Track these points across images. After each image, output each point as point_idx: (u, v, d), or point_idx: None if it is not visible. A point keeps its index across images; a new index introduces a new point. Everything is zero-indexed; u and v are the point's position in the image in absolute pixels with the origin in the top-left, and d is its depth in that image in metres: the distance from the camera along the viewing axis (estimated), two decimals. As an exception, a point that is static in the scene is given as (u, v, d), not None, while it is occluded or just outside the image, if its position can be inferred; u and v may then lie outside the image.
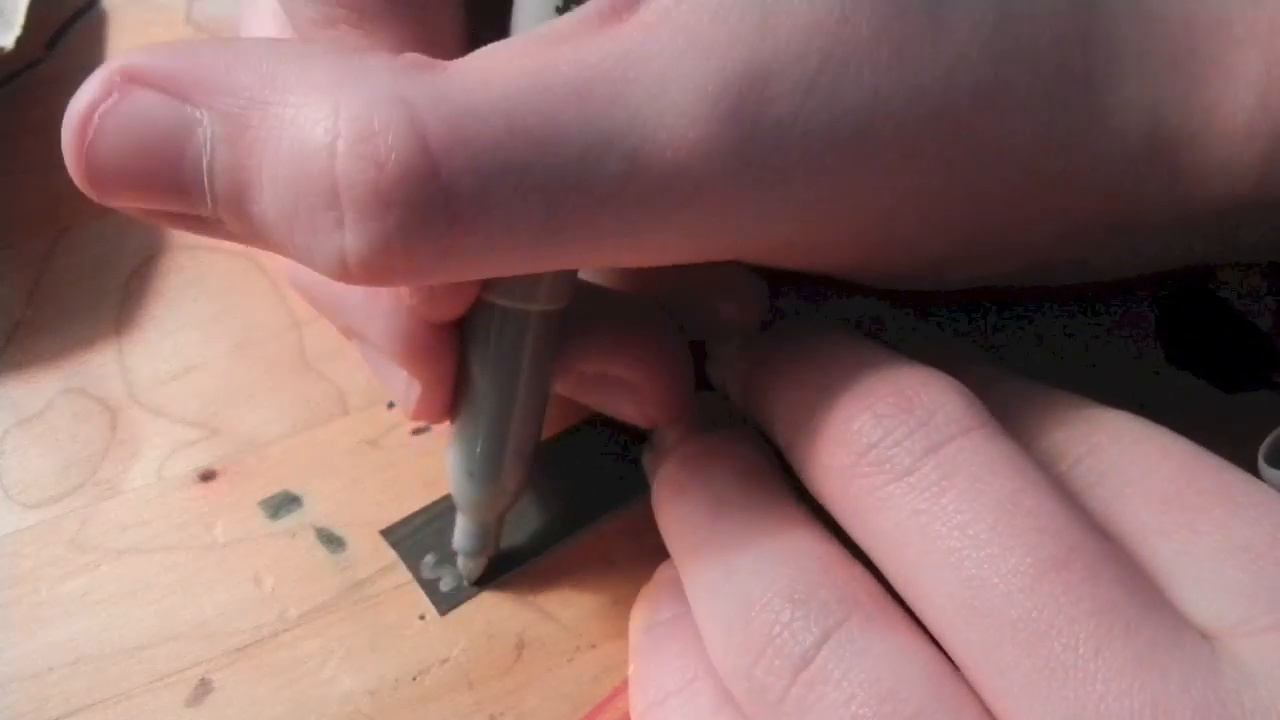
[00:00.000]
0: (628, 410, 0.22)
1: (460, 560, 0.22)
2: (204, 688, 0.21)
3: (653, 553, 0.23)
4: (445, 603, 0.22)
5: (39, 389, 0.25)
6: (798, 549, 0.17)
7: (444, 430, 0.24)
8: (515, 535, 0.23)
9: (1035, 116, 0.18)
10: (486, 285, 0.19)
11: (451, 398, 0.20)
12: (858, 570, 0.17)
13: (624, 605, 0.22)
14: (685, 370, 0.21)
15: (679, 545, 0.19)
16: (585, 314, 0.20)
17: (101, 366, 0.25)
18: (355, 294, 0.20)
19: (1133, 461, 0.17)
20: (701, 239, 0.17)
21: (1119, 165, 0.19)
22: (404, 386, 0.20)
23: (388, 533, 0.23)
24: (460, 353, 0.20)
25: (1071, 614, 0.14)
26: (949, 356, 0.18)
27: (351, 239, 0.14)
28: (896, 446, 0.16)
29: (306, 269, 0.20)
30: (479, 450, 0.20)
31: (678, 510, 0.19)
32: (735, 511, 0.18)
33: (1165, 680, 0.14)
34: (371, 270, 0.15)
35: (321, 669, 0.21)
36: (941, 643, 0.16)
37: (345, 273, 0.15)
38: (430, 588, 0.22)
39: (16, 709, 0.20)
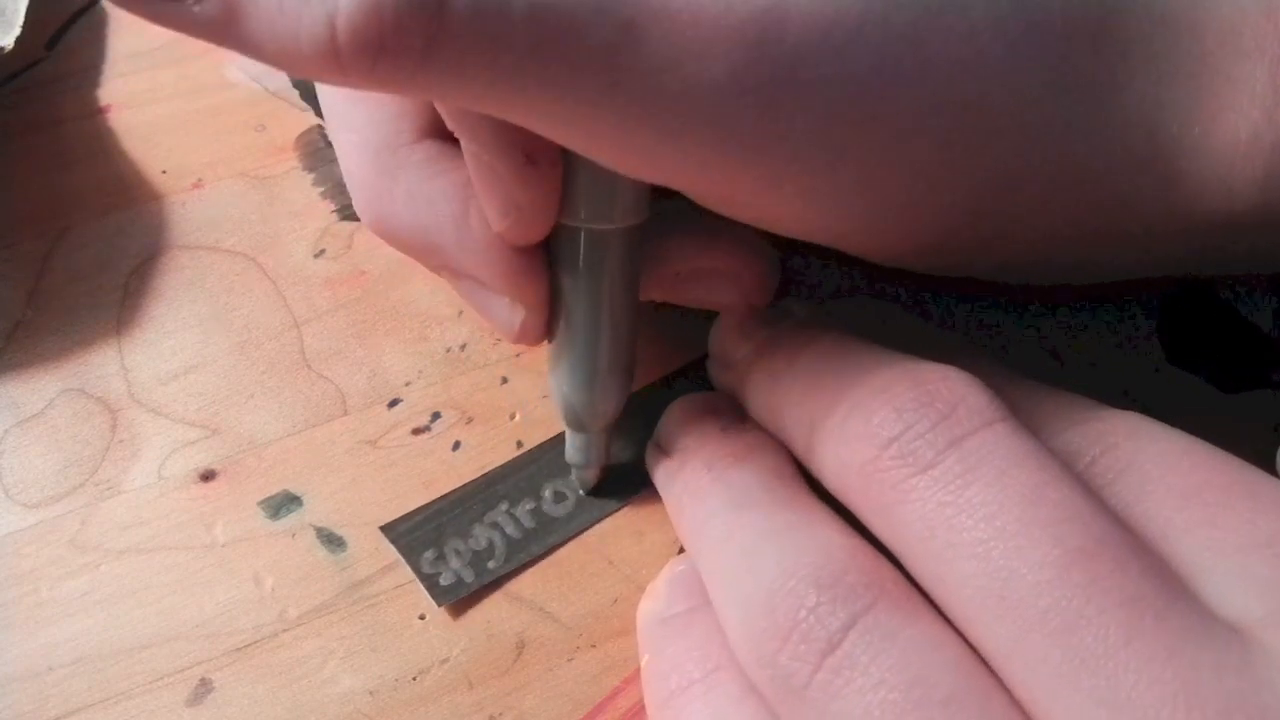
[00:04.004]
0: (728, 297, 0.22)
1: (574, 473, 0.23)
2: (204, 688, 0.21)
3: (653, 552, 0.23)
4: (444, 597, 0.22)
5: (39, 389, 0.25)
6: (822, 539, 0.17)
7: (443, 431, 0.24)
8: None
9: (1038, 104, 0.18)
10: (565, 210, 0.20)
11: (549, 320, 0.21)
12: (882, 560, 0.17)
13: (624, 605, 0.22)
14: (773, 252, 0.22)
15: (700, 541, 0.19)
16: (671, 218, 0.21)
17: (101, 366, 0.25)
18: (449, 230, 0.20)
19: (1150, 459, 0.17)
20: (688, 158, 0.17)
21: (1117, 165, 0.18)
22: (506, 314, 0.21)
23: (387, 529, 0.23)
24: (551, 276, 0.21)
25: (1101, 604, 0.14)
26: (955, 358, 0.18)
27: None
28: (919, 439, 0.16)
29: (390, 221, 0.20)
30: (576, 368, 0.21)
31: (700, 509, 0.19)
32: (758, 507, 0.18)
33: (1196, 669, 0.14)
34: (358, 40, 0.14)
35: (321, 669, 0.21)
36: (968, 636, 0.16)
37: (331, 40, 0.14)
38: (430, 582, 0.22)
39: (16, 709, 0.20)
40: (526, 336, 0.21)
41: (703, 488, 0.20)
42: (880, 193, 0.18)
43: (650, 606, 0.20)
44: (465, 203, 0.20)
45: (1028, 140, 0.18)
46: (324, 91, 0.22)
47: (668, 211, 0.21)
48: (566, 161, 0.19)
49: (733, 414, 0.22)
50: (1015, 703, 0.15)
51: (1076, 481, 0.16)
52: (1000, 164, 0.18)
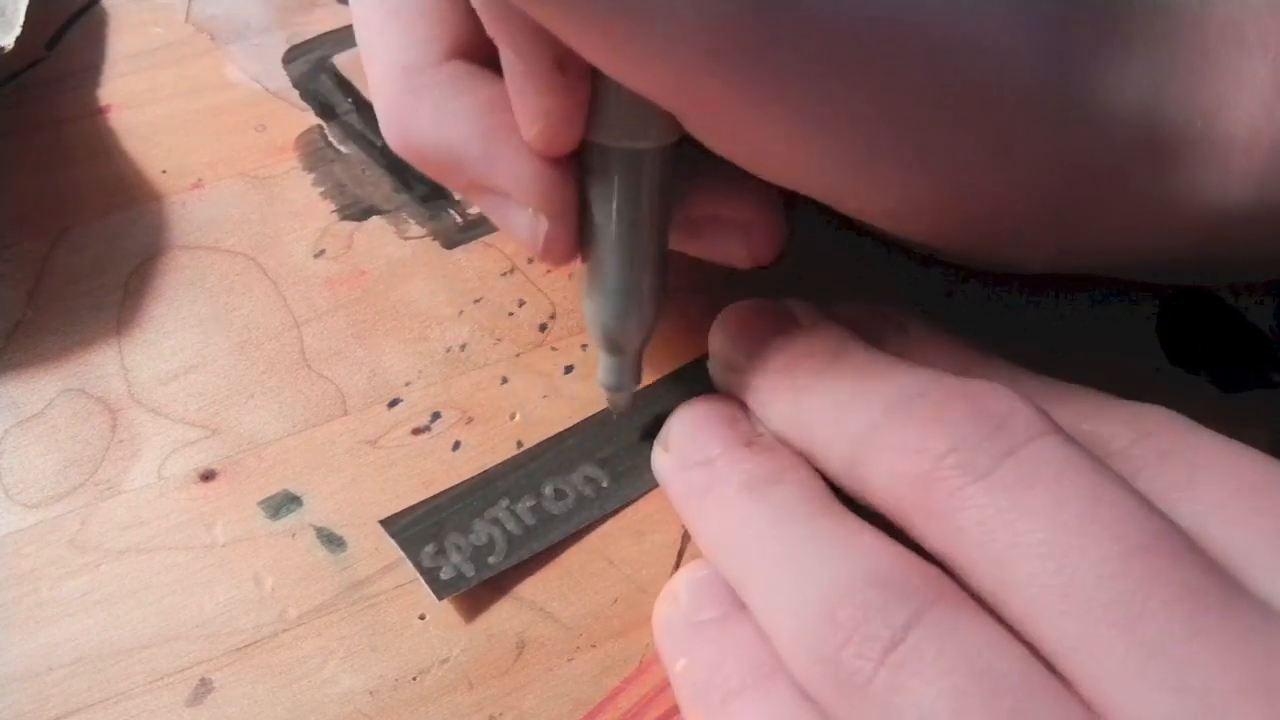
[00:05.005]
0: (735, 251, 0.23)
1: (607, 397, 0.23)
2: (204, 688, 0.21)
3: (652, 552, 0.23)
4: (444, 591, 0.22)
5: (39, 389, 0.25)
6: (874, 548, 0.17)
7: (443, 431, 0.24)
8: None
9: (1034, 77, 0.18)
10: (599, 128, 0.20)
11: (576, 235, 0.21)
12: (935, 568, 0.17)
13: (624, 605, 0.22)
14: (783, 210, 0.23)
15: (741, 555, 0.19)
16: (690, 161, 0.21)
17: (101, 366, 0.25)
18: (474, 143, 0.21)
19: (1191, 448, 0.17)
20: (683, 79, 0.17)
21: (1114, 146, 0.19)
22: (531, 226, 0.21)
23: (387, 523, 0.23)
24: (584, 198, 0.21)
25: (1164, 596, 0.14)
26: (971, 357, 0.19)
27: None
28: (975, 449, 0.17)
29: (416, 138, 0.21)
30: (609, 287, 0.21)
31: (740, 528, 0.19)
32: (805, 521, 0.19)
33: (1270, 659, 0.14)
34: None
35: (321, 669, 0.21)
36: (1029, 636, 0.16)
37: None
38: (430, 576, 0.22)
39: (16, 709, 0.20)
40: (552, 250, 0.21)
41: (743, 507, 0.20)
42: (868, 143, 0.18)
43: (671, 611, 0.20)
44: (492, 116, 0.20)
45: (1022, 111, 0.18)
46: (357, 23, 0.23)
47: (684, 158, 0.21)
48: (600, 79, 0.19)
49: (747, 422, 0.22)
50: (1081, 702, 0.15)
51: (1128, 485, 0.16)
52: (994, 131, 0.18)
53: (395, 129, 0.21)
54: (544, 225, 0.21)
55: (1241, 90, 0.18)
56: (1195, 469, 0.17)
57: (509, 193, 0.21)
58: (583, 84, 0.19)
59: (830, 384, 0.20)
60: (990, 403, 0.17)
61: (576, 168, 0.21)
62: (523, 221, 0.21)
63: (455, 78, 0.21)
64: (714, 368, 0.23)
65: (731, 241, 0.23)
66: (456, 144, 0.21)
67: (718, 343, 0.22)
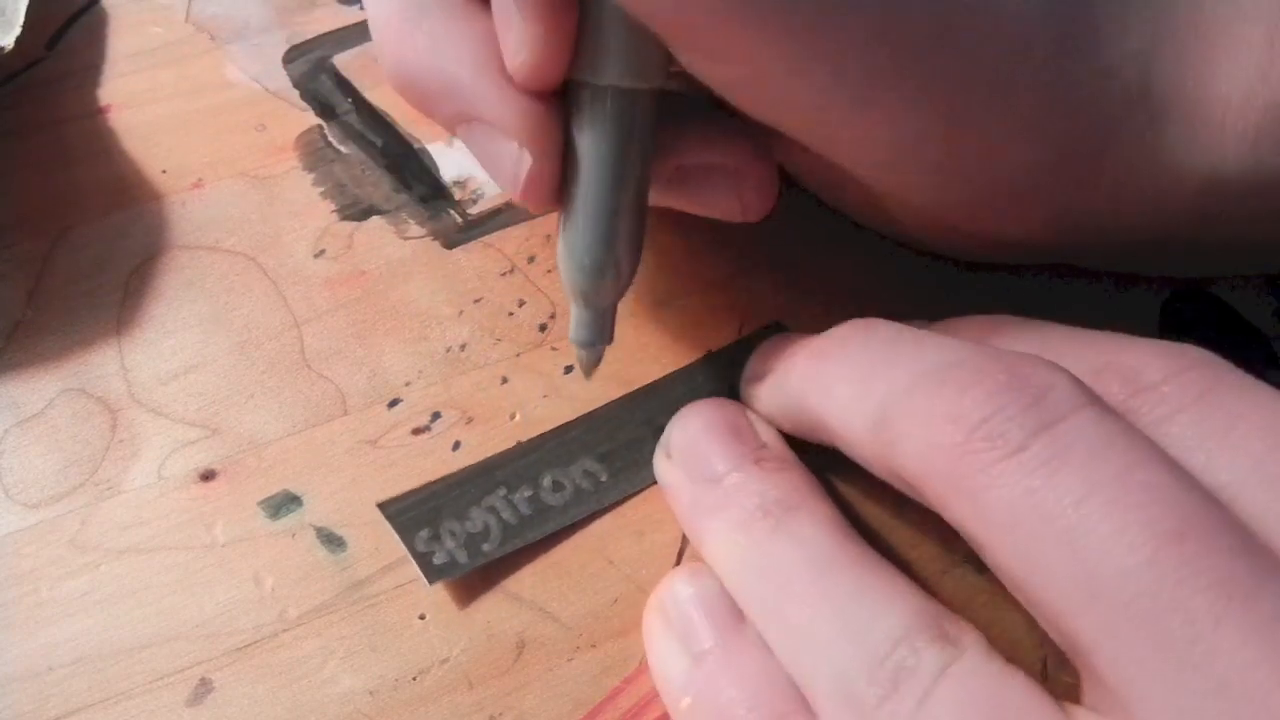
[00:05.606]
0: (726, 201, 0.23)
1: (578, 353, 0.23)
2: (204, 688, 0.21)
3: (652, 552, 0.23)
4: (437, 575, 0.22)
5: (39, 389, 0.25)
6: (905, 599, 0.18)
7: (443, 431, 0.24)
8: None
9: (1033, 19, 0.18)
10: (586, 67, 0.20)
11: (558, 176, 0.21)
12: (962, 620, 0.17)
13: (624, 605, 0.22)
14: (774, 159, 0.22)
15: (762, 589, 0.19)
16: (681, 109, 0.21)
17: (101, 366, 0.25)
18: (467, 70, 0.20)
19: (1229, 391, 0.17)
20: (689, 13, 0.17)
21: (1108, 99, 0.19)
22: (514, 162, 0.21)
23: (384, 505, 0.23)
24: (567, 143, 0.21)
25: (1192, 586, 0.14)
26: (991, 320, 0.19)
27: None
28: (1010, 422, 0.16)
29: (410, 64, 0.21)
30: (586, 237, 0.21)
31: (758, 556, 0.19)
32: (841, 569, 0.19)
33: None
34: None
35: (321, 669, 0.21)
36: (1056, 629, 0.16)
37: None
38: (423, 560, 0.22)
39: (16, 709, 0.20)
40: (532, 188, 0.21)
41: (760, 535, 0.19)
42: (867, 73, 0.18)
43: (668, 641, 0.20)
44: (487, 48, 0.20)
45: (1020, 51, 0.18)
46: None
47: (675, 106, 0.21)
48: (590, 16, 0.19)
49: (751, 433, 0.22)
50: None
51: (1164, 460, 0.16)
52: (992, 70, 0.18)
53: (392, 56, 0.21)
54: (527, 161, 0.20)
55: (1237, 53, 0.18)
56: (1236, 417, 0.16)
57: (495, 122, 0.21)
58: (569, 13, 0.19)
59: (858, 348, 0.19)
60: (1030, 374, 0.17)
61: (563, 109, 0.21)
62: (506, 157, 0.21)
63: (454, 7, 0.21)
64: (742, 381, 0.23)
65: (723, 192, 0.23)
66: (449, 70, 0.21)
67: (751, 364, 0.23)
